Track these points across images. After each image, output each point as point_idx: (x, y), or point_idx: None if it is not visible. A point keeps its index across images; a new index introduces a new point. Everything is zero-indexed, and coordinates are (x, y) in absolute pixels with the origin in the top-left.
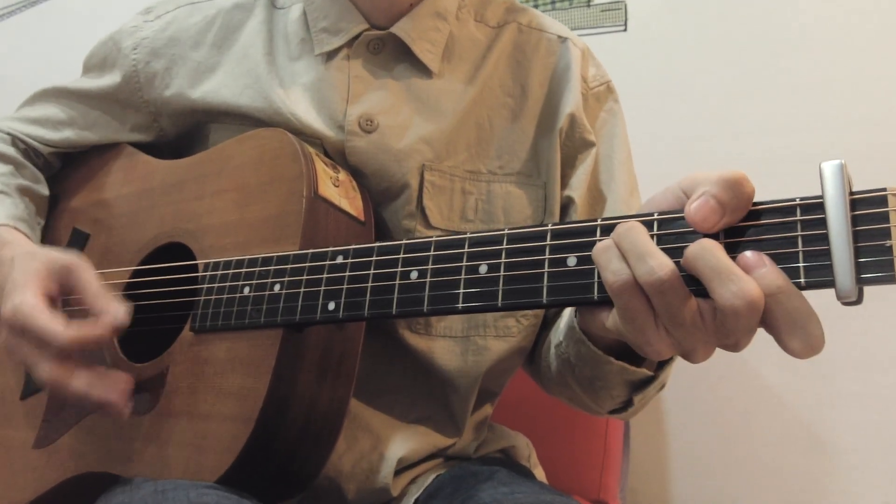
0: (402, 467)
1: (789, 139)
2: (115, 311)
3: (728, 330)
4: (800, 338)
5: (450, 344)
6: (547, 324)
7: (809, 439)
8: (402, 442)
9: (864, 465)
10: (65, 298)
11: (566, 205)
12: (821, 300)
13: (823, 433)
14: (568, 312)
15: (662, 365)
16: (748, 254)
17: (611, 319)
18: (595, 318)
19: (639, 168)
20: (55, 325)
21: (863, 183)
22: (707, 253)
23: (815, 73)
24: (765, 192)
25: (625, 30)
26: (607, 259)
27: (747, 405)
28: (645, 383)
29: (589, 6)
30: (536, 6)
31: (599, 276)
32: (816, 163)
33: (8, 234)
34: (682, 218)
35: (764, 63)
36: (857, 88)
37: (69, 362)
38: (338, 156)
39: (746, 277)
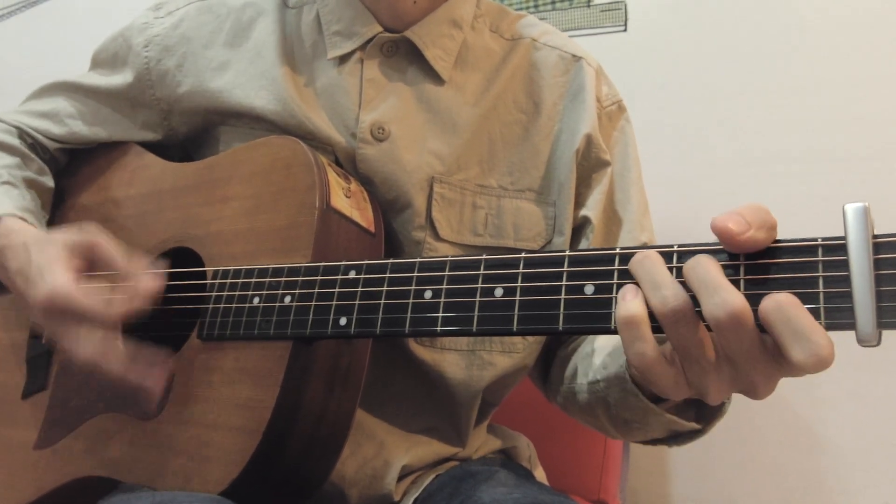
0: (406, 473)
1: (789, 139)
2: (147, 277)
3: (729, 357)
4: (803, 348)
5: (455, 357)
6: (554, 339)
7: (809, 439)
8: (407, 450)
9: (864, 465)
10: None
11: (582, 224)
12: None
13: (823, 433)
14: (604, 350)
15: (710, 416)
16: None
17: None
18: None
19: None
20: (97, 304)
21: (863, 183)
22: (699, 266)
23: (815, 72)
24: (764, 192)
25: (625, 30)
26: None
27: (747, 405)
28: (691, 434)
29: (589, 6)
30: (537, 6)
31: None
32: (814, 163)
33: (13, 224)
34: (702, 249)
35: (763, 63)
36: (857, 88)
37: (110, 343)
38: (348, 162)
39: (732, 290)
